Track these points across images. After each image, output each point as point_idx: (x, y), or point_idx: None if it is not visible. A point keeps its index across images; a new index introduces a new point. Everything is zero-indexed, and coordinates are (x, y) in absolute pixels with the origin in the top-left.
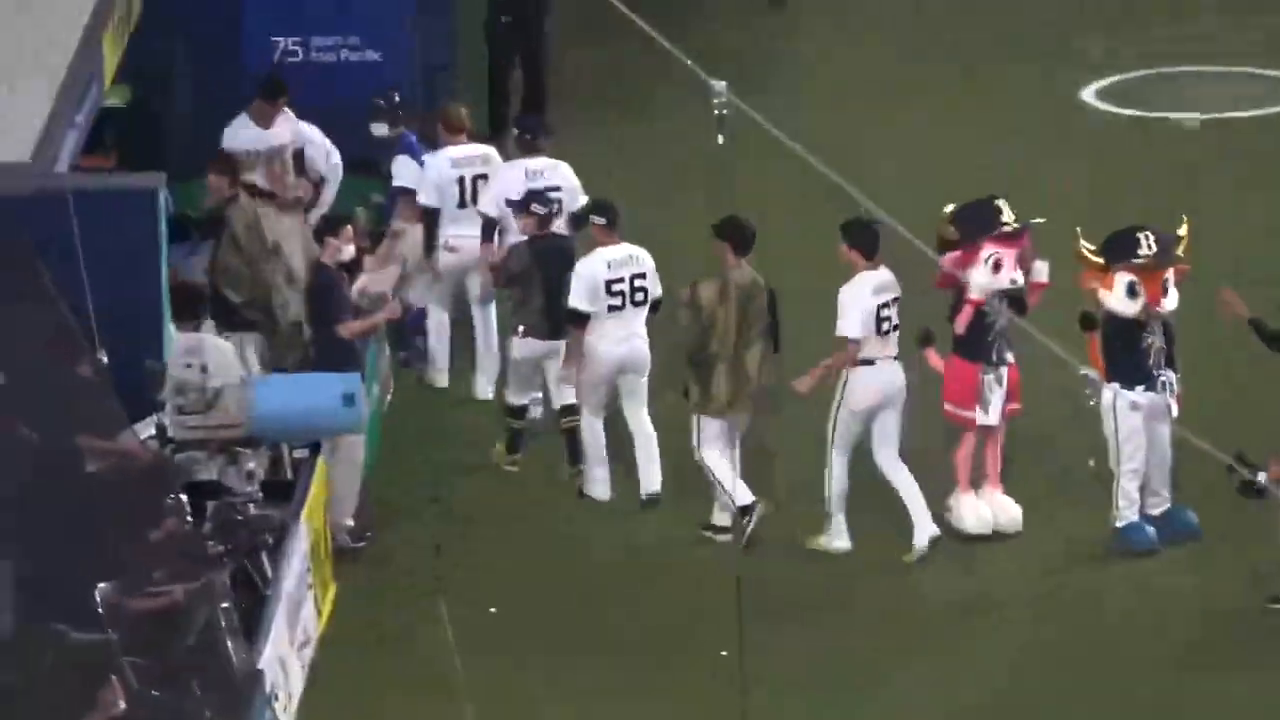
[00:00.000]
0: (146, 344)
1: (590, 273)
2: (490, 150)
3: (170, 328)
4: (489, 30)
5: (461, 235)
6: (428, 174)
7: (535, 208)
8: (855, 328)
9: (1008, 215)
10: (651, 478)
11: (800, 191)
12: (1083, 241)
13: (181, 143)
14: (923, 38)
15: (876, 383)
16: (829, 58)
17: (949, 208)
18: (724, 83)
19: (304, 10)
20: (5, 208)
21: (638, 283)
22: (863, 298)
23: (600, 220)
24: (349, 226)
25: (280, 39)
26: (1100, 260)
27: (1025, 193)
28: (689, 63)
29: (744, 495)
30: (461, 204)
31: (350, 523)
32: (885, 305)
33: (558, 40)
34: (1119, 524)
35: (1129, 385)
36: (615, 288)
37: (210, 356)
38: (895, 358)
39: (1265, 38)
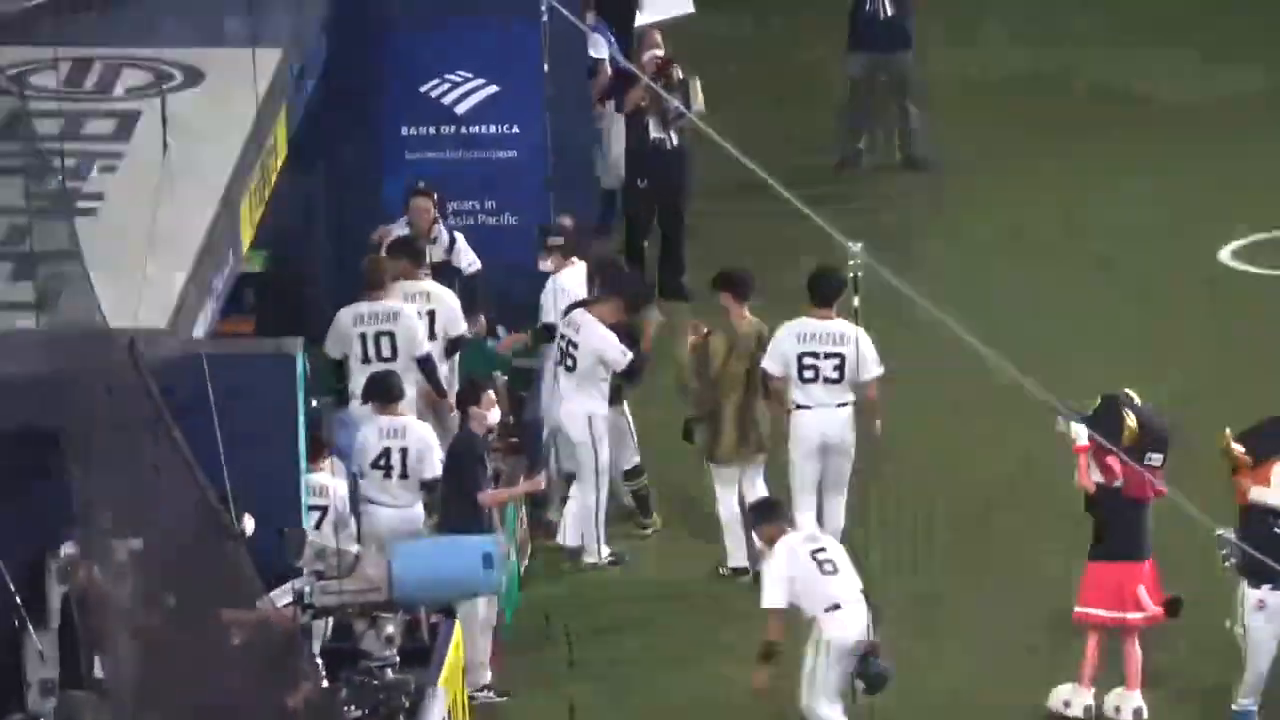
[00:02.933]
0: (284, 509)
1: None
2: None
3: (306, 491)
4: (627, 194)
5: None
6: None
7: None
8: (773, 364)
9: None
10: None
11: (936, 354)
12: (1233, 443)
13: (320, 307)
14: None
15: (809, 429)
16: (966, 220)
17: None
18: (859, 244)
19: (442, 176)
20: (145, 374)
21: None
22: (785, 340)
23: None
24: (490, 393)
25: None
26: (1250, 458)
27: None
28: (825, 225)
29: (739, 558)
30: None
31: (488, 677)
32: (812, 355)
33: (695, 202)
34: (1235, 708)
35: (1258, 583)
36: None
37: (411, 440)
38: (841, 405)
39: None
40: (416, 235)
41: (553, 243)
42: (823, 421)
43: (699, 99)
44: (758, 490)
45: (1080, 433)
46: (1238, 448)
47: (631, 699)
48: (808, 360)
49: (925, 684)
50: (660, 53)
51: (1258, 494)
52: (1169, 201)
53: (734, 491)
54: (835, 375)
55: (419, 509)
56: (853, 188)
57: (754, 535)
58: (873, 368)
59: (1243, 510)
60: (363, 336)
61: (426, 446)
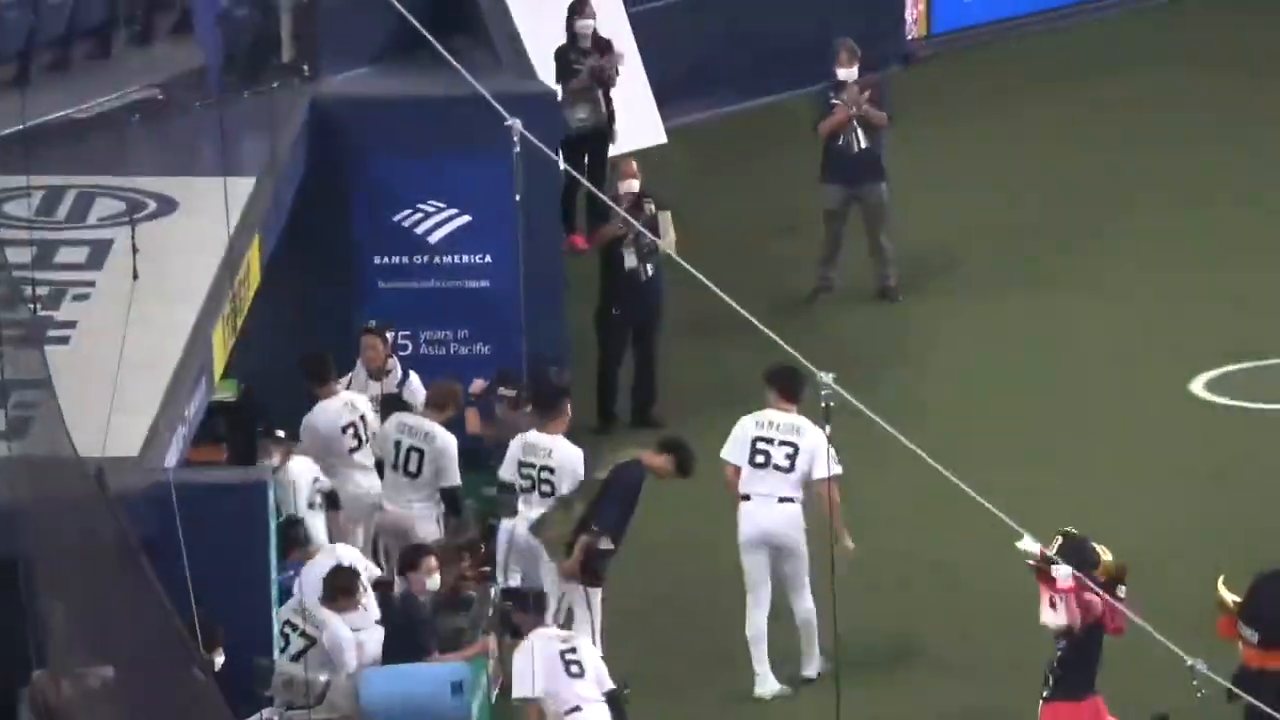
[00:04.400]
0: (255, 639)
1: None
2: None
3: (277, 619)
4: (599, 322)
5: None
6: None
7: None
8: (731, 453)
9: None
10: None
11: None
12: (1226, 593)
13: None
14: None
15: (749, 520)
16: (939, 352)
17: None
18: (831, 374)
19: (414, 305)
20: (112, 504)
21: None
22: (744, 426)
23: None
24: (430, 558)
25: (390, 332)
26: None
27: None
28: (797, 355)
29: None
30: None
31: None
32: (766, 440)
33: (668, 333)
34: None
35: None
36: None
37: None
38: (784, 500)
39: None
40: (372, 372)
41: (504, 392)
42: (763, 514)
43: (670, 235)
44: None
45: (1063, 575)
46: (1231, 596)
47: None
48: (760, 445)
49: None
50: (635, 184)
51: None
52: (1142, 329)
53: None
54: (786, 464)
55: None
56: (825, 318)
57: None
58: (826, 465)
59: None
60: (397, 445)
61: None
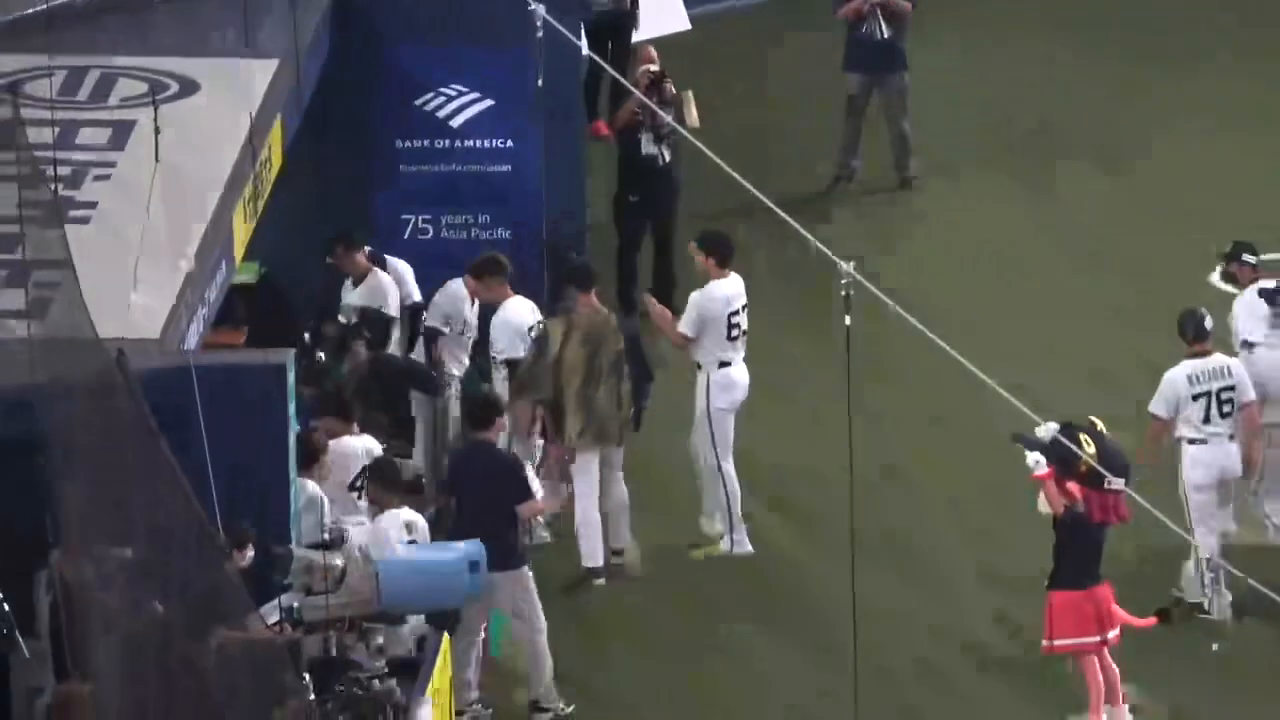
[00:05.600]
0: (274, 519)
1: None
2: None
3: (297, 503)
4: (617, 208)
5: None
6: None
7: None
8: (687, 325)
9: None
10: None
11: (929, 368)
12: None
13: (311, 318)
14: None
15: (729, 385)
16: (958, 241)
17: None
18: (852, 263)
19: (435, 189)
20: (132, 384)
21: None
22: (708, 304)
23: None
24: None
25: (411, 216)
26: None
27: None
28: (816, 242)
29: (594, 557)
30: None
31: (474, 693)
32: (735, 313)
33: (686, 219)
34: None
35: None
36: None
37: None
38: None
39: None
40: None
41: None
42: (740, 376)
43: (693, 114)
44: (618, 483)
45: (1039, 462)
46: None
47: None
48: (734, 319)
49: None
50: (655, 67)
51: None
52: (1165, 210)
53: (592, 487)
54: (738, 334)
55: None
56: (846, 206)
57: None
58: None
59: None
60: None
61: None
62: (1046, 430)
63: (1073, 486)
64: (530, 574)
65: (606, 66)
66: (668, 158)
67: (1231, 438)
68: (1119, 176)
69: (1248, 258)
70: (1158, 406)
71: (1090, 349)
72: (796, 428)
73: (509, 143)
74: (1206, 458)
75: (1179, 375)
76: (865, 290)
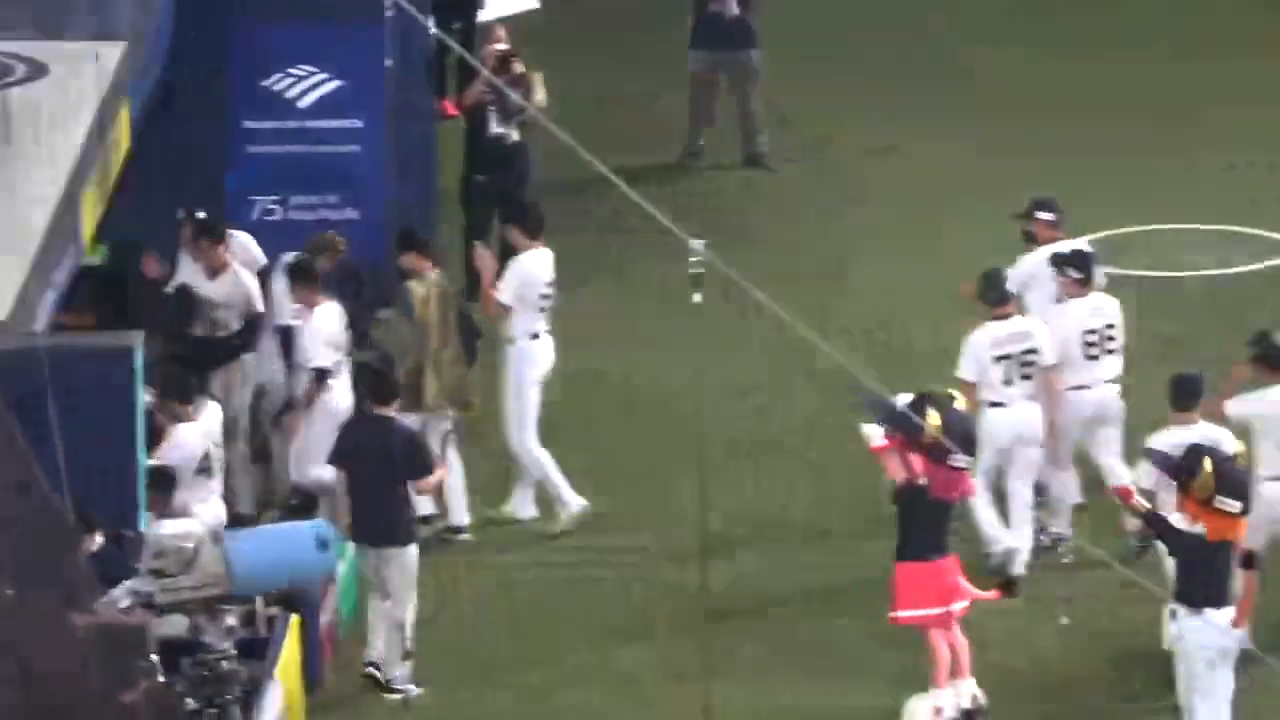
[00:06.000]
0: (122, 506)
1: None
2: None
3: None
4: (465, 189)
5: None
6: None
7: None
8: (506, 294)
9: None
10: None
11: (776, 349)
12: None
13: (160, 301)
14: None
15: (541, 357)
16: (807, 218)
17: None
18: (702, 241)
19: (284, 170)
20: None
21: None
22: (527, 274)
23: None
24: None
25: (259, 197)
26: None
27: None
28: (665, 220)
29: (460, 515)
30: None
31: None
32: (548, 284)
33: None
34: None
35: None
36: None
37: None
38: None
39: None
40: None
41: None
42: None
43: (541, 93)
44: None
45: (873, 434)
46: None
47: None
48: (546, 290)
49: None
50: (502, 46)
51: None
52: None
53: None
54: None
55: None
56: (695, 184)
57: None
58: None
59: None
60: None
61: None
62: (897, 402)
63: (914, 460)
64: (414, 553)
65: (453, 45)
66: (516, 137)
67: (1033, 400)
68: (955, 144)
69: (1042, 214)
70: (965, 369)
71: (933, 327)
72: (653, 405)
73: (358, 123)
74: (1006, 420)
75: (982, 338)
76: (715, 268)
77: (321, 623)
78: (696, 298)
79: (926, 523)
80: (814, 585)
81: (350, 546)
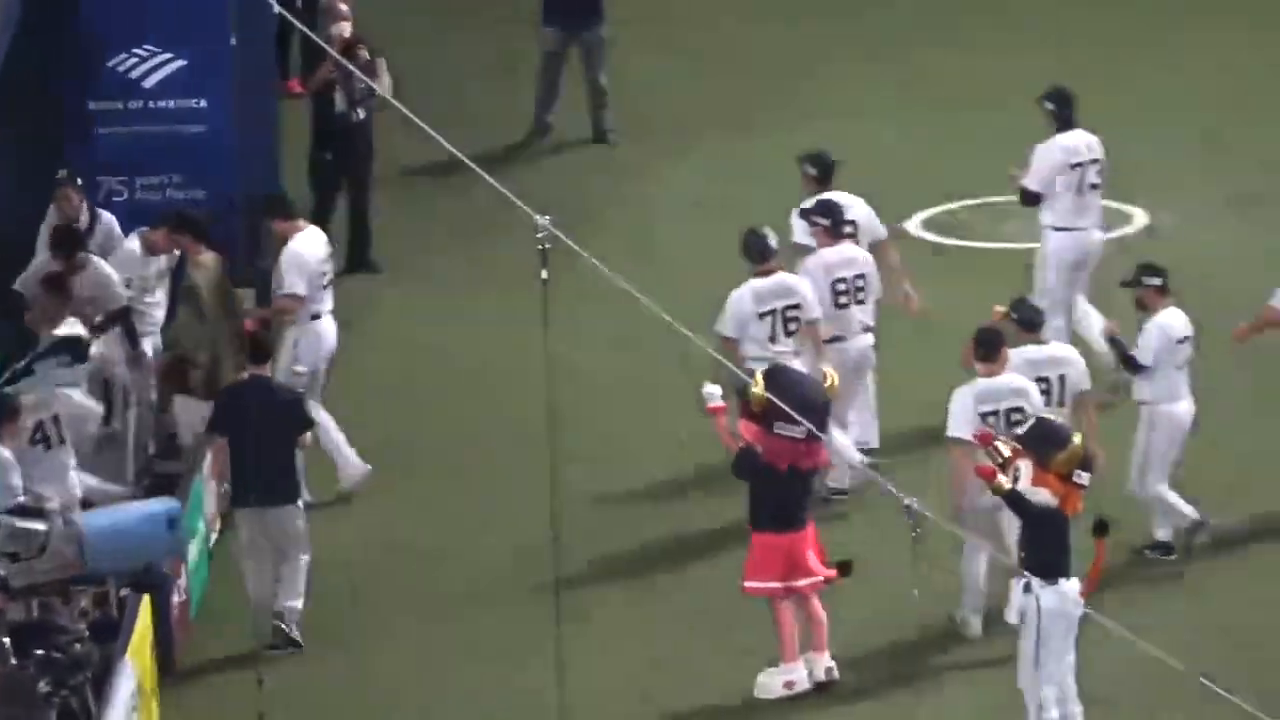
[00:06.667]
0: None
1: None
2: None
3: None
4: (312, 168)
5: None
6: None
7: None
8: (298, 284)
9: None
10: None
11: (622, 321)
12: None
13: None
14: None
15: (322, 339)
16: (655, 195)
17: None
18: (548, 217)
19: (129, 151)
20: None
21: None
22: (298, 258)
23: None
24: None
25: (106, 178)
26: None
27: None
28: (513, 197)
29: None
30: None
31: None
32: (324, 260)
33: (380, 179)
34: None
35: None
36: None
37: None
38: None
39: None
40: (68, 221)
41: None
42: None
43: (385, 78)
44: None
45: (712, 394)
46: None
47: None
48: (322, 268)
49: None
50: (348, 29)
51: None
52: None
53: None
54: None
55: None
56: (543, 160)
57: None
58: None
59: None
60: None
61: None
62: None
63: (744, 427)
64: (302, 507)
65: (298, 24)
66: (361, 116)
67: (797, 354)
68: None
69: (809, 168)
70: (725, 326)
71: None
72: (499, 383)
73: (202, 103)
74: None
75: (744, 294)
76: (561, 244)
77: (173, 603)
78: (543, 274)
79: (771, 493)
80: (671, 543)
81: (202, 521)
